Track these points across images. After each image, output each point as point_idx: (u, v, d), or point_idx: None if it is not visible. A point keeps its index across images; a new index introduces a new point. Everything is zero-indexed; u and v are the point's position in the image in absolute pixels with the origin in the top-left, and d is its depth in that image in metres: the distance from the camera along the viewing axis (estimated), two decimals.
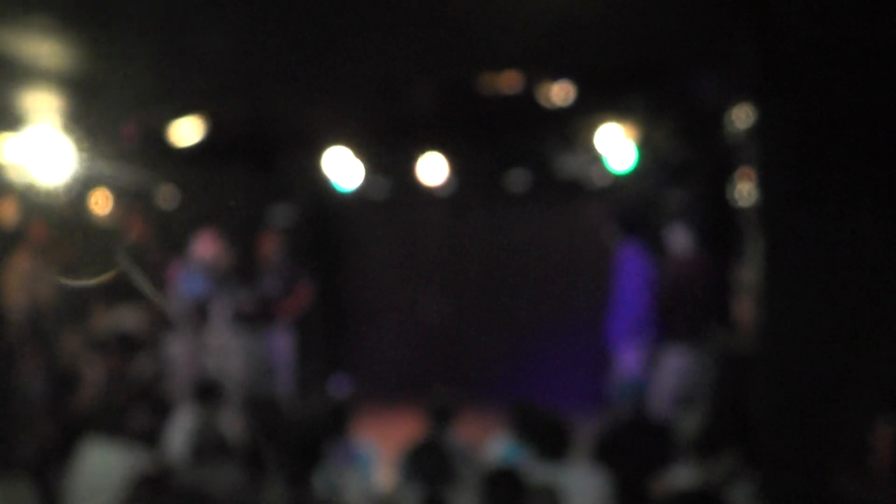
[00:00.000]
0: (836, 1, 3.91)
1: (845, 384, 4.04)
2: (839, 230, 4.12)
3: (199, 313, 8.15)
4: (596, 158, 8.27)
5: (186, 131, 6.71)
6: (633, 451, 4.92)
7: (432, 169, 8.99)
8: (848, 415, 4.00)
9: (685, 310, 7.18)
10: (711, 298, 7.20)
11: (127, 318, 9.75)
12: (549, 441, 4.40)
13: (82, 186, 9.66)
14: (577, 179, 8.69)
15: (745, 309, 5.89)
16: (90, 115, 6.25)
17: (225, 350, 8.39)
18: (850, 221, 4.11)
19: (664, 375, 7.13)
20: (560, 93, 5.88)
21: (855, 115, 4.11)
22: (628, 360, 7.51)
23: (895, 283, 4.07)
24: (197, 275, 8.17)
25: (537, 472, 4.34)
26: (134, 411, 5.77)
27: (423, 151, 8.98)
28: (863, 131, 4.11)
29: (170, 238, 10.21)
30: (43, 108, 5.77)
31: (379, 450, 5.45)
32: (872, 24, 3.98)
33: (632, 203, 8.15)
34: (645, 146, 8.01)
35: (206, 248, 8.16)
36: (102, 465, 4.68)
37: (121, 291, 9.78)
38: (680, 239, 7.34)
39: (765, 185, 4.43)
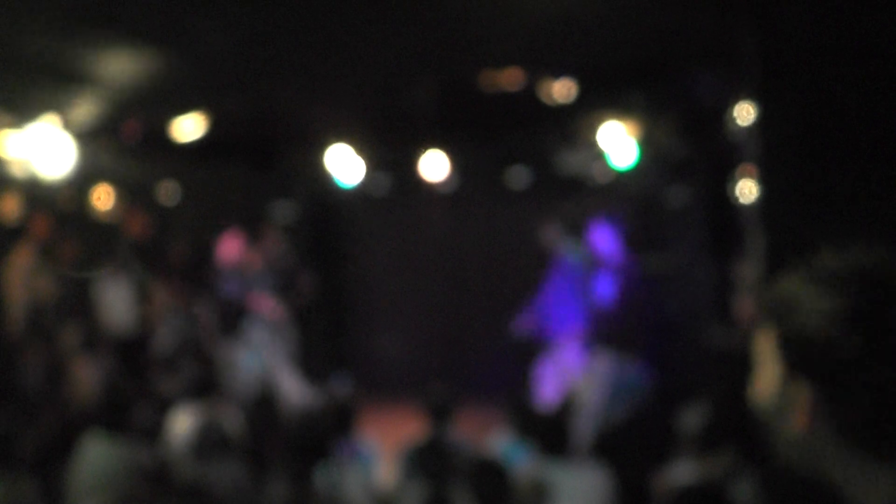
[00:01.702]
0: (836, 1, 3.91)
1: None
2: (840, 228, 4.12)
3: (238, 314, 8.17)
4: (597, 155, 8.28)
5: (189, 128, 6.72)
6: (634, 448, 4.94)
7: (434, 166, 8.99)
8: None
9: (614, 316, 7.24)
10: (641, 305, 7.26)
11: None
12: (550, 439, 4.41)
13: (84, 182, 9.69)
14: (579, 176, 8.70)
15: (745, 307, 5.89)
16: (92, 111, 6.26)
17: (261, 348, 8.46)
18: (850, 219, 4.11)
19: (593, 379, 7.19)
20: (561, 90, 5.88)
21: (855, 113, 4.11)
22: (570, 360, 7.56)
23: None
24: (233, 277, 8.17)
25: (538, 469, 4.35)
26: (135, 408, 5.78)
27: (424, 148, 8.98)
28: (863, 130, 4.11)
29: (171, 234, 10.24)
30: (46, 104, 5.78)
31: (380, 447, 5.46)
32: (872, 23, 3.99)
33: (576, 206, 8.24)
34: (646, 143, 8.01)
35: (233, 249, 8.15)
36: (104, 461, 4.68)
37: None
38: (605, 241, 7.38)
39: (765, 182, 4.43)
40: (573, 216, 7.84)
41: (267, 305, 8.51)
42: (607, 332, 7.27)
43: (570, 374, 7.62)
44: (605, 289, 7.28)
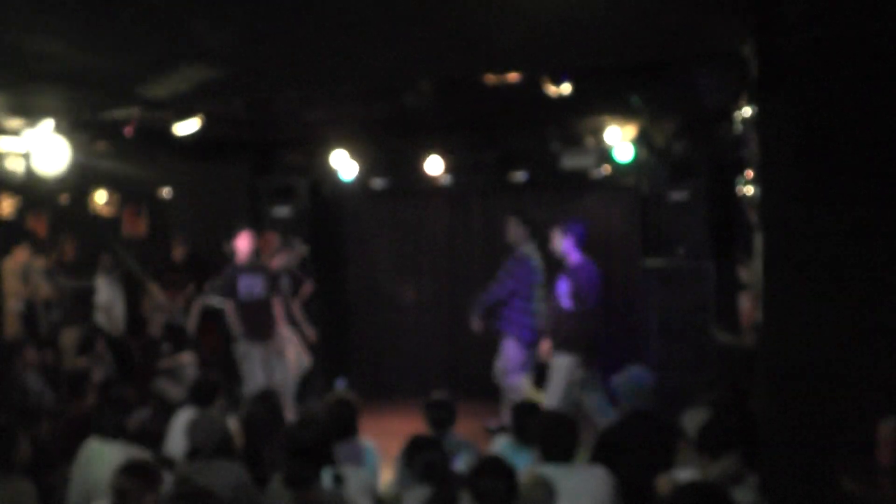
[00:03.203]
0: (835, 1, 3.90)
1: (846, 383, 4.04)
2: (839, 228, 4.12)
3: (260, 312, 8.12)
4: (597, 154, 8.29)
5: (188, 128, 6.70)
6: (635, 448, 4.92)
7: (434, 164, 8.99)
8: (849, 414, 4.00)
9: (574, 318, 7.36)
10: (591, 308, 7.33)
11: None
12: (553, 441, 4.39)
13: (83, 182, 9.66)
14: (579, 175, 8.70)
15: (746, 307, 5.89)
16: (91, 111, 6.25)
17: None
18: (850, 219, 4.11)
19: (552, 378, 7.33)
20: (562, 90, 5.87)
21: (854, 113, 4.11)
22: (514, 354, 7.68)
23: (895, 281, 4.07)
24: (253, 275, 8.12)
25: (539, 469, 4.34)
26: (135, 409, 5.75)
27: (424, 147, 8.98)
28: (862, 129, 4.11)
29: (170, 233, 10.22)
30: (44, 104, 5.77)
31: (380, 448, 5.44)
32: (872, 24, 3.98)
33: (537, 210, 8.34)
34: (646, 143, 8.02)
35: (246, 246, 8.11)
36: (103, 464, 4.67)
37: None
38: (557, 245, 7.51)
39: (765, 182, 4.43)
40: (532, 217, 7.94)
41: (283, 306, 8.51)
42: (565, 333, 7.35)
43: (513, 370, 7.79)
44: (565, 291, 7.40)
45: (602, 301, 7.62)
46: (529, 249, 7.91)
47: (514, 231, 7.97)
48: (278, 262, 8.61)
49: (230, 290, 7.99)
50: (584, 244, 7.57)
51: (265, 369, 8.01)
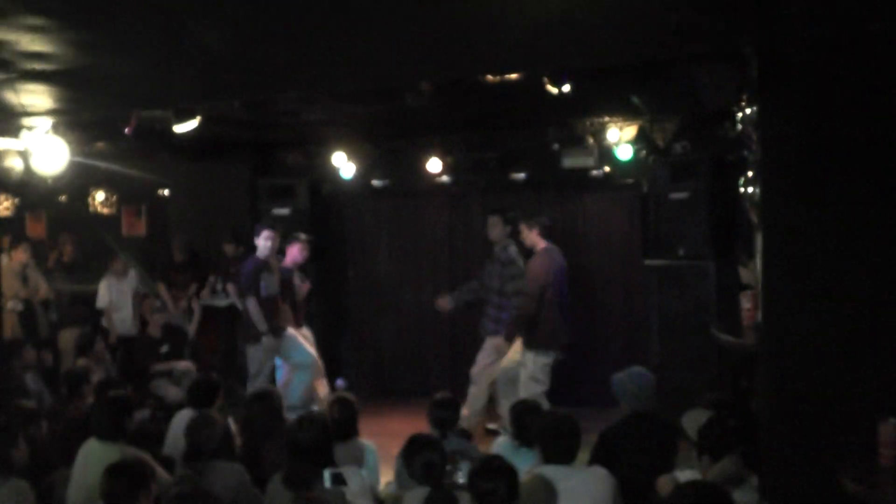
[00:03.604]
0: (835, 1, 3.90)
1: (846, 383, 4.04)
2: (839, 228, 4.11)
3: (274, 310, 8.12)
4: (597, 155, 8.28)
5: (188, 127, 6.69)
6: (636, 449, 4.91)
7: (434, 163, 8.99)
8: (850, 414, 4.00)
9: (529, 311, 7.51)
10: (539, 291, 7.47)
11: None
12: (554, 442, 4.39)
13: (82, 182, 9.66)
14: (579, 175, 8.70)
15: (746, 307, 5.88)
16: (90, 111, 6.25)
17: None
18: (850, 219, 4.10)
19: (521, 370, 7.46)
20: (562, 89, 5.86)
21: (854, 113, 4.11)
22: (492, 350, 7.86)
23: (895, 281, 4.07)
24: (270, 272, 8.11)
25: (539, 469, 4.34)
26: (136, 410, 5.74)
27: (425, 147, 8.98)
28: (862, 130, 4.11)
29: (170, 233, 10.21)
30: (43, 104, 5.76)
31: (380, 447, 5.44)
32: (872, 24, 3.98)
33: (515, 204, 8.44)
34: (646, 144, 8.01)
35: (269, 244, 8.11)
36: (103, 465, 4.66)
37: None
38: (525, 237, 7.74)
39: (765, 182, 4.43)
40: (513, 213, 8.00)
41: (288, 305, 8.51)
42: (528, 328, 7.54)
43: (486, 363, 7.86)
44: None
45: (560, 287, 7.72)
46: (513, 250, 7.94)
47: (496, 230, 8.02)
48: (294, 255, 8.59)
49: (254, 286, 7.97)
50: (549, 234, 7.76)
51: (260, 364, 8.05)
